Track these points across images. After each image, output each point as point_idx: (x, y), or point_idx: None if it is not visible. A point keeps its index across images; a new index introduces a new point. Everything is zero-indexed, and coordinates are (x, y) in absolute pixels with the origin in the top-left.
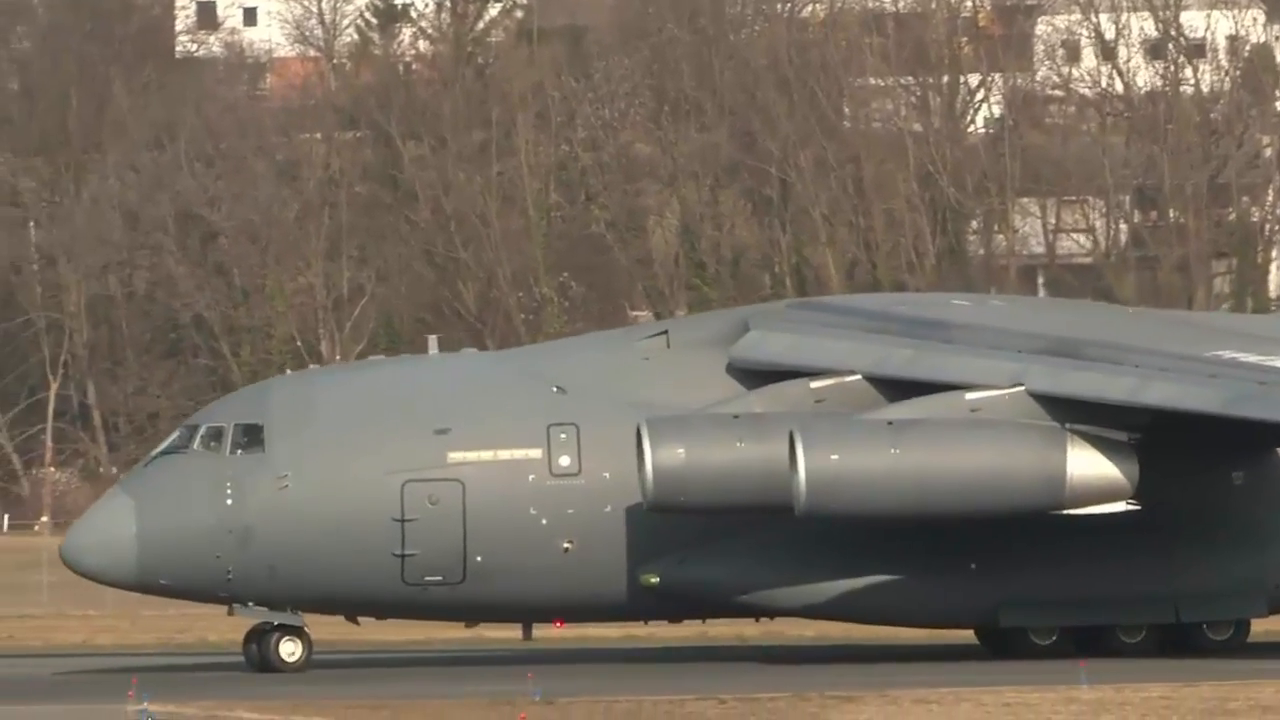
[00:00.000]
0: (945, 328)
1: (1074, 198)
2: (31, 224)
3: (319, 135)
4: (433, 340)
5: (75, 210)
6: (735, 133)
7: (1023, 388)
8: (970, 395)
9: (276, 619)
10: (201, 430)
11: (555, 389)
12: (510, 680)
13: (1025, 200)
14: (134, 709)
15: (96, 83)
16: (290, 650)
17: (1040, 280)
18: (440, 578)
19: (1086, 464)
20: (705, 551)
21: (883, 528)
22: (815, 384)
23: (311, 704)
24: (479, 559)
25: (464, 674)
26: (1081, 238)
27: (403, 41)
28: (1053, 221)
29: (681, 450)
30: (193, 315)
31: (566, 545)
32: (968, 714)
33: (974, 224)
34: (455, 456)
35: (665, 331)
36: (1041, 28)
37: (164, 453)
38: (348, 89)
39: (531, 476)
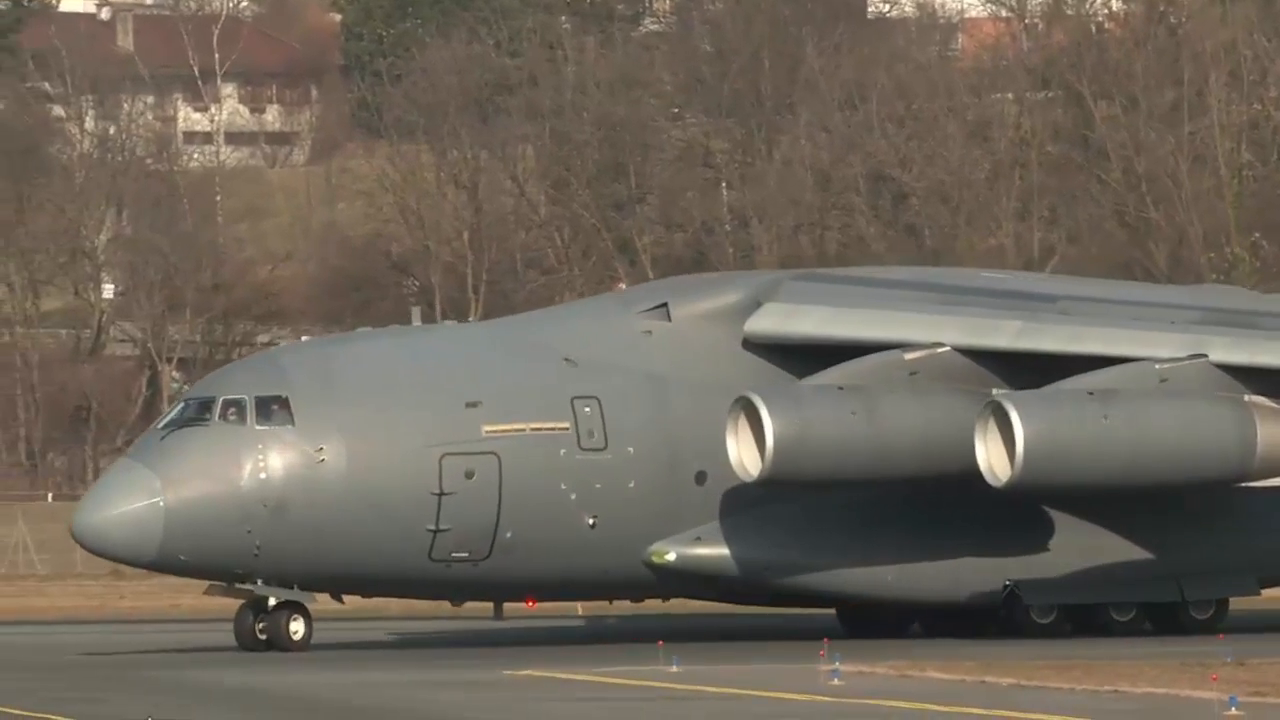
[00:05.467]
0: (1045, 299)
1: None
2: (724, 185)
3: (1010, 95)
4: (415, 312)
5: (767, 171)
6: None
7: (1206, 358)
8: (1159, 365)
9: (284, 596)
10: (219, 402)
11: (565, 360)
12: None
13: None
14: (825, 669)
15: (788, 44)
16: (296, 629)
17: None
18: (466, 554)
19: (1275, 434)
20: (724, 530)
21: (949, 506)
22: (909, 355)
23: (1000, 665)
24: (508, 535)
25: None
26: None
27: (1095, 1)
28: None
29: (801, 422)
30: None
31: (591, 521)
32: None
33: None
34: (490, 429)
35: (664, 304)
36: None
37: (176, 425)
38: (1040, 49)
39: (563, 451)
